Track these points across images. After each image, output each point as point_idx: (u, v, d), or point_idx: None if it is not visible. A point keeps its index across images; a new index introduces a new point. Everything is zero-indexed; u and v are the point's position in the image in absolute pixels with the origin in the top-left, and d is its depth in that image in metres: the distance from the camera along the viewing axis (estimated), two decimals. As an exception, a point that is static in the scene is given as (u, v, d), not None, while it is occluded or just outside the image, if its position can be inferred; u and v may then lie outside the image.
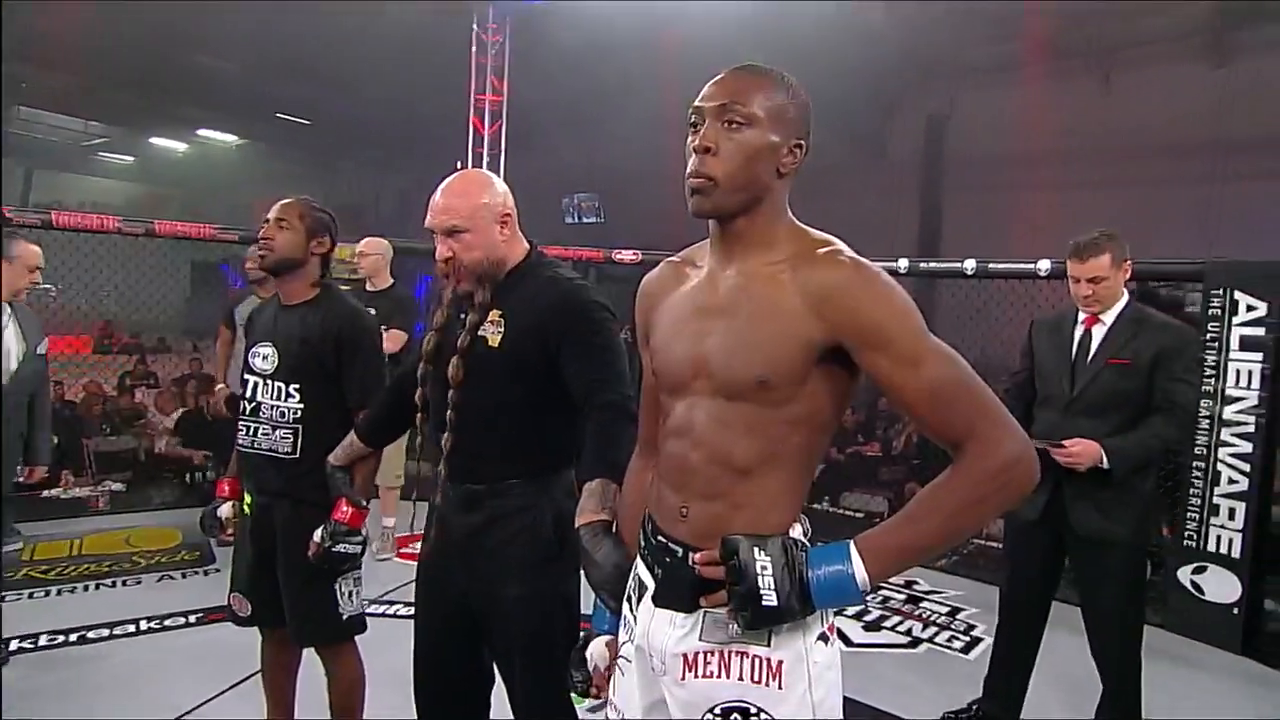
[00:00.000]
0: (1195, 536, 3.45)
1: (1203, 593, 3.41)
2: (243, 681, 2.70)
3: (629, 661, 1.25)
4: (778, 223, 1.14)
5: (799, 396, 1.09)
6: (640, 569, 1.24)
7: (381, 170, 18.20)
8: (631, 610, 1.25)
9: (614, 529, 1.38)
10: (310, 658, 2.18)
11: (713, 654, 1.11)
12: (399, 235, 4.55)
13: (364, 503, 1.99)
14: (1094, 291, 2.33)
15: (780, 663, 1.09)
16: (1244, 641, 3.34)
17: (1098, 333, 2.38)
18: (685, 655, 1.12)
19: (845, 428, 6.97)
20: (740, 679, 1.09)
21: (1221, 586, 3.38)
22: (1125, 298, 2.38)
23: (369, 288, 4.22)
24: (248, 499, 2.14)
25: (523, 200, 1.87)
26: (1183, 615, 3.44)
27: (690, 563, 1.11)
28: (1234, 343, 3.30)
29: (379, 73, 10.77)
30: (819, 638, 1.11)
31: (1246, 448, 3.32)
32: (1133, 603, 2.37)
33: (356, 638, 2.14)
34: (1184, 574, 3.46)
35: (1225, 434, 3.34)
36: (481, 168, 7.58)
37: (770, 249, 1.13)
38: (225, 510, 2.20)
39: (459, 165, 7.48)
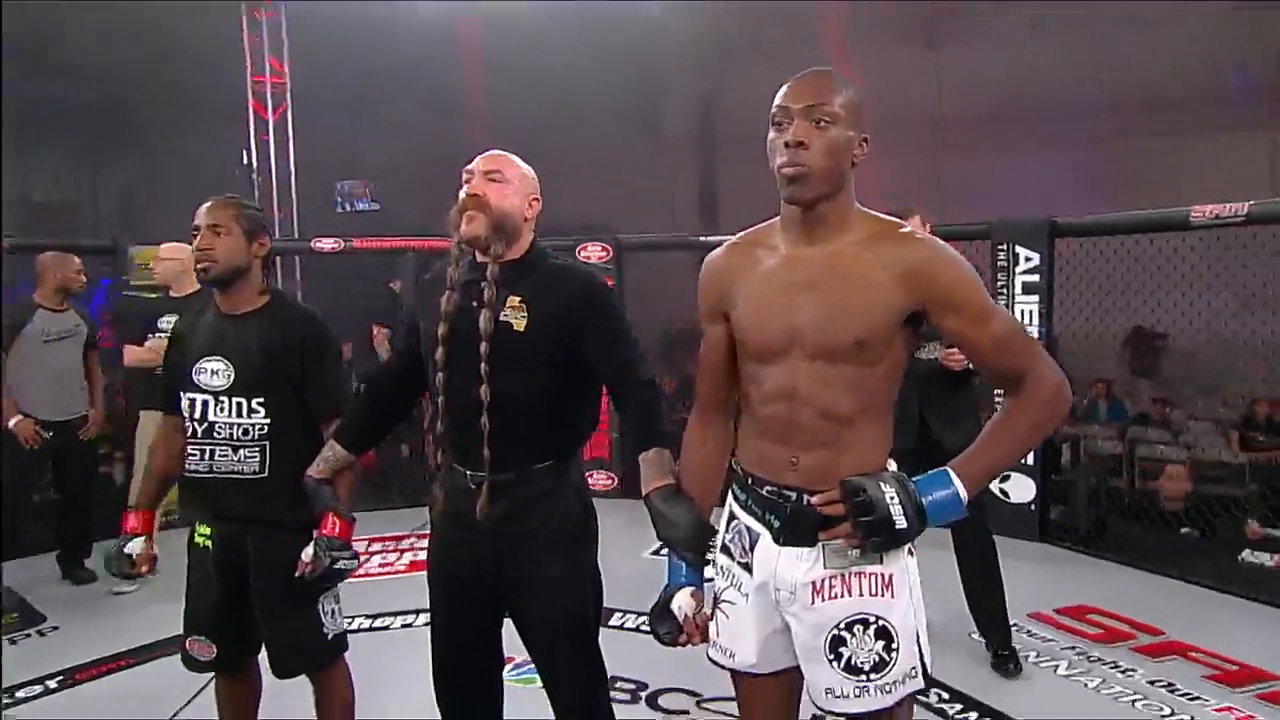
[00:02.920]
0: (1000, 451, 4.21)
1: (1009, 497, 4.19)
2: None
3: (733, 605, 1.42)
4: (850, 207, 1.35)
5: (887, 354, 1.32)
6: (745, 519, 1.41)
7: (98, 163, 15.85)
8: (735, 559, 1.42)
9: (681, 491, 1.53)
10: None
11: (836, 578, 1.32)
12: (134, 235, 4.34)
13: (351, 515, 1.94)
14: None
15: (891, 576, 1.32)
16: (1039, 530, 4.16)
17: None
18: (813, 583, 1.32)
19: (667, 395, 7.44)
20: (861, 595, 1.32)
21: (1021, 491, 4.18)
22: None
23: (172, 294, 3.89)
24: (204, 529, 1.99)
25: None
26: (994, 517, 4.18)
27: (807, 504, 1.31)
28: (1018, 289, 4.07)
29: (97, 50, 9.42)
30: (909, 552, 1.36)
31: (1032, 375, 4.10)
32: (980, 508, 2.92)
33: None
34: (994, 484, 4.21)
35: (1017, 365, 4.10)
36: (269, 156, 7.03)
37: (847, 230, 1.34)
38: (136, 546, 2.02)
39: (245, 158, 6.86)
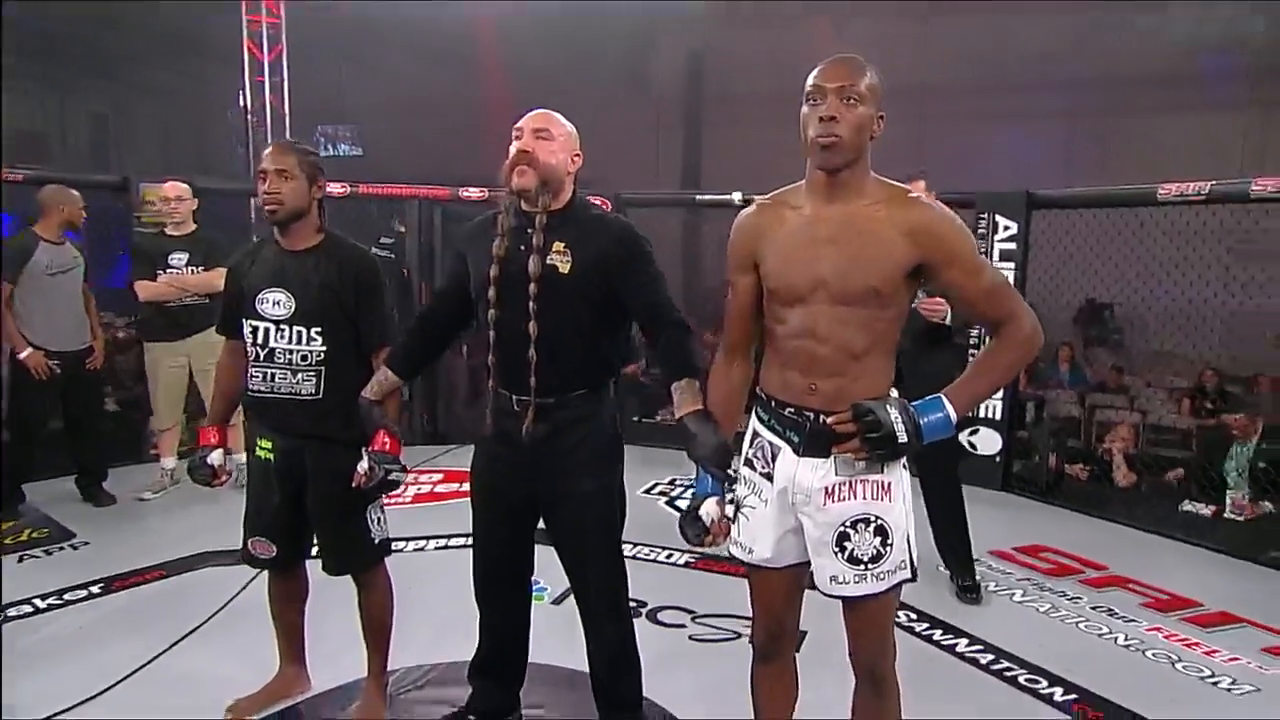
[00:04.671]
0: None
1: (977, 449, 4.52)
2: (199, 628, 2.73)
3: (754, 509, 1.67)
4: (866, 174, 1.57)
5: (894, 300, 1.55)
6: (768, 436, 1.65)
7: (67, 94, 15.42)
8: (758, 470, 1.67)
9: (710, 415, 1.76)
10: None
11: (845, 484, 1.57)
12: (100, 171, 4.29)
13: (399, 433, 2.15)
14: None
15: (890, 483, 1.58)
16: (1002, 481, 4.50)
17: None
18: (826, 488, 1.57)
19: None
20: (865, 498, 1.57)
21: (988, 444, 4.50)
22: None
23: (171, 232, 4.05)
24: (265, 443, 2.19)
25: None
26: (963, 467, 4.50)
27: (824, 423, 1.55)
28: (996, 255, 4.33)
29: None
30: (904, 466, 1.61)
31: (1003, 335, 4.40)
32: (954, 459, 3.21)
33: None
34: (963, 436, 4.53)
35: (990, 326, 4.38)
36: (263, 98, 7.03)
37: (863, 194, 1.56)
38: (216, 457, 2.24)
39: (240, 99, 6.85)
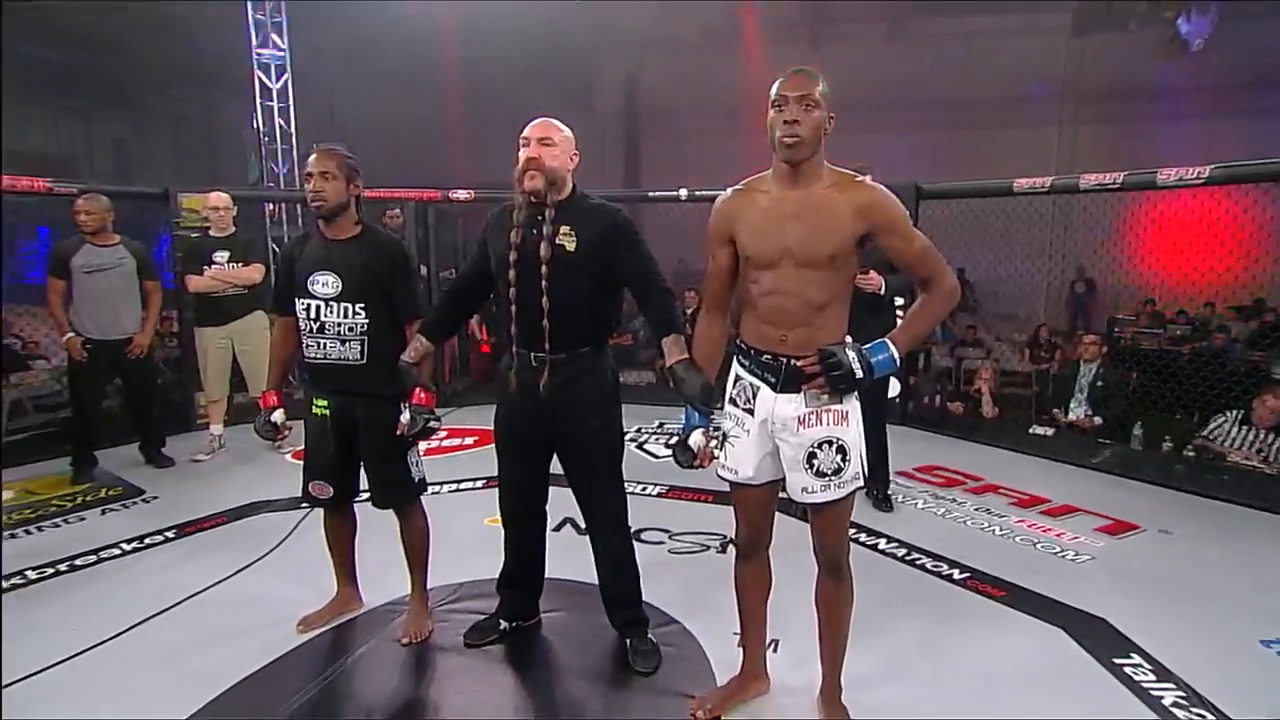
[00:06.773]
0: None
1: (886, 393, 4.63)
2: (263, 557, 2.68)
3: (738, 438, 1.69)
4: (822, 163, 1.59)
5: (847, 264, 1.58)
6: (747, 378, 1.67)
7: (90, 122, 14.35)
8: (740, 406, 1.68)
9: (695, 362, 1.76)
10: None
11: (813, 414, 1.60)
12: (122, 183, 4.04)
13: (433, 388, 2.10)
14: None
15: (847, 412, 1.62)
16: (901, 417, 4.65)
17: None
18: (799, 417, 1.61)
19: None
20: (829, 424, 1.61)
21: (891, 388, 4.58)
22: None
23: (214, 233, 3.88)
24: (321, 402, 2.12)
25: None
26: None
27: (795, 365, 1.58)
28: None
29: (79, 12, 8.56)
30: (857, 397, 1.65)
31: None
32: (885, 401, 3.30)
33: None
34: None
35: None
36: (274, 124, 6.67)
37: (819, 179, 1.57)
38: (279, 416, 2.19)
39: (255, 123, 6.47)
